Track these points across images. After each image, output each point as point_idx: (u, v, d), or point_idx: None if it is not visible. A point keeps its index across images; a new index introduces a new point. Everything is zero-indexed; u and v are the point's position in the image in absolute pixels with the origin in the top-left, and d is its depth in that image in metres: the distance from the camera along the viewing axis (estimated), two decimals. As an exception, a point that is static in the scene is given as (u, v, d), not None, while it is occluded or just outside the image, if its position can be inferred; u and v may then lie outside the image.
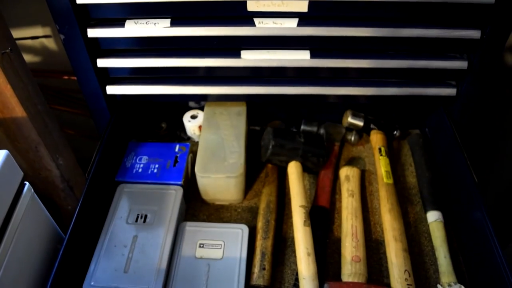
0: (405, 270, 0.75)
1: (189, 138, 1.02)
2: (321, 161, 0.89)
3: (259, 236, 0.81)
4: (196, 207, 0.90)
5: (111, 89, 0.91)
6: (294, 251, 0.80)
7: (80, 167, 1.11)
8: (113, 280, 0.73)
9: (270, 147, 0.86)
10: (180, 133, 1.01)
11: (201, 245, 0.79)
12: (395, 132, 0.99)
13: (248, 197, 0.91)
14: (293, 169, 0.86)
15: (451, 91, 0.89)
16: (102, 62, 0.86)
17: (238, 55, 0.85)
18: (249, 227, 0.82)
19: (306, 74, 0.89)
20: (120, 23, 0.81)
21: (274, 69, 0.87)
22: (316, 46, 0.84)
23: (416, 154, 0.96)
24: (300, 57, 0.84)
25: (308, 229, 0.78)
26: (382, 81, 0.90)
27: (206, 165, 0.85)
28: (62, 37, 0.81)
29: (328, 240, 0.83)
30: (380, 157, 0.92)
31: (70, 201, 1.08)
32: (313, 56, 0.84)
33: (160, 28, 0.81)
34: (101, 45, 0.85)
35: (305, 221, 0.78)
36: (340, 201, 0.88)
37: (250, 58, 0.85)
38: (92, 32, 0.81)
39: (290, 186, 0.85)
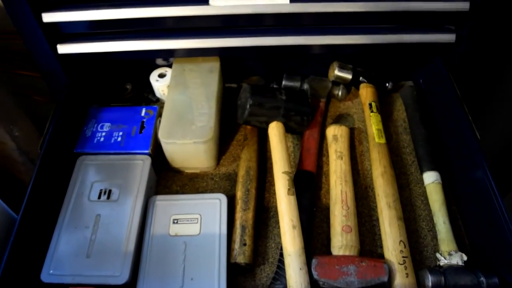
0: (400, 240, 0.67)
1: (158, 100, 0.91)
2: (306, 120, 0.80)
3: (238, 208, 0.73)
4: (168, 178, 0.80)
5: (63, 48, 0.79)
6: (278, 222, 0.72)
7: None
8: (75, 267, 0.64)
9: (248, 106, 0.76)
10: (147, 95, 0.90)
11: (175, 221, 0.70)
12: (387, 84, 0.90)
13: (225, 163, 0.82)
14: (275, 131, 0.77)
15: (449, 37, 0.79)
16: (48, 17, 0.74)
17: (206, 2, 0.73)
18: (228, 196, 0.74)
19: (286, 22, 0.78)
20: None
21: (249, 16, 0.76)
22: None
23: (410, 109, 0.87)
24: (279, 1, 0.73)
25: (292, 198, 0.69)
26: (372, 28, 0.79)
27: (171, 130, 0.75)
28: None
29: (316, 209, 0.75)
30: (371, 114, 0.83)
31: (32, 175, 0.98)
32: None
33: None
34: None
35: (289, 189, 0.70)
36: (328, 164, 0.80)
37: (220, 4, 0.73)
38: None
39: (271, 150, 0.76)
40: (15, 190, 0.95)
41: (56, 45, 0.79)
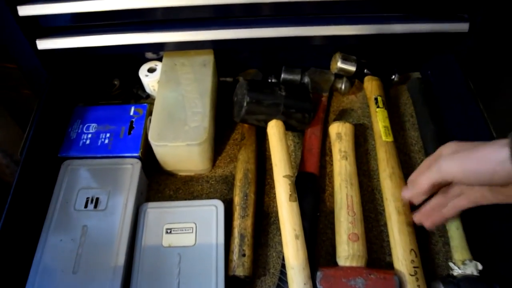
0: (411, 249, 0.63)
1: (148, 96, 0.85)
2: (307, 118, 0.74)
3: (236, 214, 0.67)
4: (160, 181, 0.75)
5: (44, 43, 0.73)
6: (279, 229, 0.67)
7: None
8: (61, 284, 0.59)
9: (245, 104, 0.71)
10: (137, 91, 0.84)
11: (168, 231, 0.65)
12: (393, 76, 0.84)
13: (221, 164, 0.77)
14: (274, 130, 0.71)
15: (462, 27, 0.73)
16: (25, 10, 0.68)
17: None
18: (225, 201, 0.69)
19: (285, 11, 0.72)
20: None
21: (245, 6, 0.70)
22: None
23: (418, 103, 0.82)
24: (276, -11, 0.67)
25: (295, 205, 0.64)
26: (379, 17, 0.73)
27: (162, 131, 0.69)
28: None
29: (319, 214, 0.70)
30: (377, 110, 0.77)
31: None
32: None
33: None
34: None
35: (290, 195, 0.65)
36: (331, 164, 0.75)
37: (211, -7, 0.67)
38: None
39: (271, 151, 0.71)
40: (1, 193, 0.90)
41: (35, 40, 0.72)
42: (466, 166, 0.50)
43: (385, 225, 0.68)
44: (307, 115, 0.74)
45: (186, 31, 0.73)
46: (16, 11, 0.67)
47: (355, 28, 0.72)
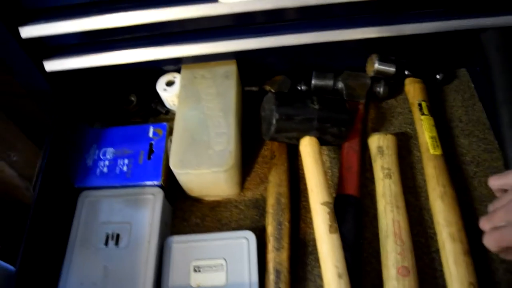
0: (470, 283, 0.55)
1: (168, 112, 0.78)
2: (344, 131, 0.66)
3: (270, 246, 0.61)
4: (185, 208, 0.69)
5: (51, 65, 0.67)
6: (318, 260, 0.60)
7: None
8: (83, 334, 0.55)
9: (274, 121, 0.63)
10: (156, 106, 0.78)
11: (197, 269, 0.59)
12: (438, 76, 0.75)
13: (250, 186, 0.70)
14: (308, 148, 0.64)
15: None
16: (27, 31, 0.61)
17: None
18: (256, 229, 0.62)
19: (313, 15, 0.63)
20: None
21: (268, 12, 0.61)
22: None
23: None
24: (305, -8, 0.58)
25: (335, 237, 0.57)
26: (421, 14, 0.64)
27: (184, 157, 0.63)
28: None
29: (362, 241, 0.63)
30: (422, 117, 0.69)
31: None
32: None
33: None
34: (26, 4, 0.60)
35: (330, 226, 0.58)
36: (373, 182, 0.67)
37: (231, 1, 0.59)
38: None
39: (305, 173, 0.63)
40: (22, 216, 0.87)
41: (42, 61, 0.66)
42: None
43: (437, 251, 0.61)
44: (344, 129, 0.66)
45: (206, 43, 0.65)
46: (18, 33, 0.61)
47: (394, 29, 0.64)
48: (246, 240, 0.61)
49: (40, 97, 0.70)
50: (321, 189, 0.61)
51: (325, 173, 0.62)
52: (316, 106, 0.65)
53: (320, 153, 0.64)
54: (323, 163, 0.63)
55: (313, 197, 0.61)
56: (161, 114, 0.78)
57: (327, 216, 0.58)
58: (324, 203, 0.59)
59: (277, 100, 0.64)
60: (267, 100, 0.67)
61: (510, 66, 0.66)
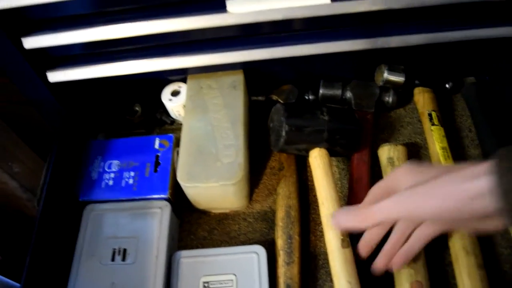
0: (485, 297, 0.54)
1: (173, 122, 0.77)
2: (354, 143, 0.65)
3: (280, 261, 0.60)
4: (192, 220, 0.68)
5: (55, 75, 0.65)
6: (329, 274, 0.60)
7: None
8: None
9: (283, 133, 0.62)
10: (160, 116, 0.76)
11: (206, 285, 0.58)
12: (447, 85, 0.74)
13: (259, 198, 0.69)
14: (318, 160, 0.63)
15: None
16: (30, 42, 0.60)
17: (223, 9, 0.58)
18: (265, 242, 0.61)
19: (324, 24, 0.62)
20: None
21: (278, 23, 0.60)
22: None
23: (477, 114, 0.72)
24: (317, 2, 0.57)
25: (348, 252, 0.56)
26: (433, 24, 0.63)
27: (191, 170, 0.61)
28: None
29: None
30: (432, 128, 0.68)
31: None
32: (335, -2, 0.57)
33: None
34: (29, 15, 0.59)
35: (342, 241, 0.57)
36: (383, 193, 0.66)
37: (241, 11, 0.58)
38: (2, 2, 0.54)
39: (315, 185, 0.63)
40: (26, 228, 0.86)
41: (45, 72, 0.65)
42: (439, 205, 0.42)
43: (450, 264, 0.60)
44: (354, 140, 0.65)
45: (213, 54, 0.64)
46: (21, 44, 0.60)
47: (407, 39, 0.63)
48: (256, 255, 0.60)
49: (43, 107, 0.69)
50: (332, 203, 0.60)
51: (335, 185, 0.61)
52: (326, 117, 0.64)
53: (330, 165, 0.63)
54: (333, 175, 0.62)
55: (324, 210, 0.60)
56: (166, 124, 0.77)
57: (339, 230, 0.57)
58: (335, 217, 0.58)
59: (287, 111, 0.63)
60: (275, 111, 0.66)
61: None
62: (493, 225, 0.42)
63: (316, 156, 0.63)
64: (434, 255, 0.61)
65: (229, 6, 0.57)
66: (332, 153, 0.65)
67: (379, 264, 0.54)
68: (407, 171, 0.47)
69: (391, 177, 0.50)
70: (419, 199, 0.43)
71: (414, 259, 0.57)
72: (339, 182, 0.69)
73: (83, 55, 0.66)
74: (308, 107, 0.66)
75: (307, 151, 0.65)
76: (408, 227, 0.51)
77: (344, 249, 0.56)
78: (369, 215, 0.49)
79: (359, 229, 0.52)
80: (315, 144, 0.64)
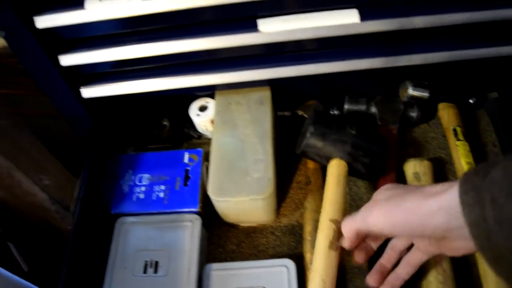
0: (518, 314, 0.54)
1: (200, 136, 0.79)
2: (376, 166, 0.65)
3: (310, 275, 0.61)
4: (221, 234, 0.69)
5: (88, 91, 0.68)
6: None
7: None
8: None
9: (308, 135, 0.63)
10: (188, 131, 0.78)
11: (236, 297, 0.59)
12: (471, 100, 0.75)
13: (286, 212, 0.70)
14: (334, 169, 0.63)
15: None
16: (67, 59, 0.62)
17: (254, 28, 0.60)
18: (293, 256, 0.62)
19: (350, 43, 0.64)
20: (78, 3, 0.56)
21: (304, 41, 0.62)
22: (367, 1, 0.58)
23: (501, 128, 0.72)
24: (345, 21, 0.59)
25: (333, 255, 0.55)
26: (458, 42, 0.64)
27: (222, 184, 0.63)
28: (3, 34, 0.56)
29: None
30: (457, 143, 0.69)
31: (68, 221, 0.89)
32: (364, 17, 0.58)
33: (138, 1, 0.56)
34: (62, 35, 0.61)
35: (331, 243, 0.55)
36: (409, 208, 0.66)
37: (272, 30, 0.60)
38: (42, 21, 0.57)
39: (324, 191, 0.62)
40: (53, 239, 0.88)
41: (79, 88, 0.67)
42: (393, 218, 0.44)
43: (478, 279, 0.60)
44: (376, 162, 0.65)
45: (240, 71, 0.66)
46: (58, 61, 0.62)
47: (433, 57, 0.64)
48: (286, 269, 0.61)
49: (76, 122, 0.71)
50: (334, 207, 0.59)
51: (344, 194, 0.61)
52: (353, 131, 0.64)
53: (346, 177, 0.63)
54: (345, 185, 0.62)
55: (324, 214, 0.59)
56: (193, 138, 0.78)
57: (332, 233, 0.56)
58: (332, 220, 0.57)
59: (315, 116, 0.65)
60: (309, 118, 0.68)
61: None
62: (463, 247, 0.43)
63: (333, 164, 0.64)
64: (463, 270, 0.62)
65: (261, 26, 0.59)
66: (353, 172, 0.65)
67: (370, 281, 0.55)
68: (385, 188, 0.50)
69: (373, 195, 0.52)
70: (385, 211, 0.45)
71: (442, 273, 0.57)
72: (356, 199, 0.69)
73: (115, 72, 0.69)
74: (338, 120, 0.67)
75: (328, 160, 0.65)
76: (401, 244, 0.54)
77: (330, 251, 0.55)
78: (344, 227, 0.53)
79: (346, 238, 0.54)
80: (336, 154, 0.64)
